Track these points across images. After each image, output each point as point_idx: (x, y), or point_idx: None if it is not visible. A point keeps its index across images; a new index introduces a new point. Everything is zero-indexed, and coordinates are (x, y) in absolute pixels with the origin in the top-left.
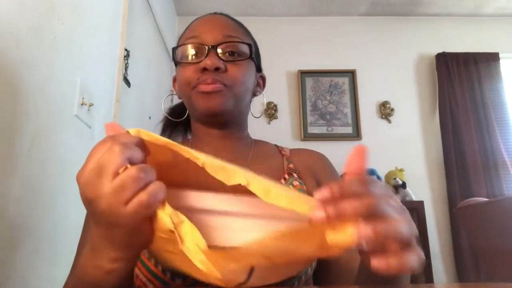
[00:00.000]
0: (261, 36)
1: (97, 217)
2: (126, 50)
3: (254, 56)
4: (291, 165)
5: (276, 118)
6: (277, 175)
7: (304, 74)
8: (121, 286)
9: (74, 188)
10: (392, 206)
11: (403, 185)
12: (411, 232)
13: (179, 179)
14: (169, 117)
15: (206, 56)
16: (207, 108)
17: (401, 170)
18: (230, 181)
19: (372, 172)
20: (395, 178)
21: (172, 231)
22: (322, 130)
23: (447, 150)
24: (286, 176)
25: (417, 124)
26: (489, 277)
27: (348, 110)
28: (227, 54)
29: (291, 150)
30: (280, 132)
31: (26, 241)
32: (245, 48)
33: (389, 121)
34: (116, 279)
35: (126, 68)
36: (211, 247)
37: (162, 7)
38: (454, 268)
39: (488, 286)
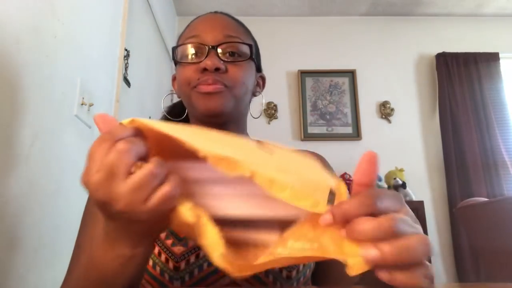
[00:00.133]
0: (261, 36)
1: (113, 216)
2: (126, 50)
3: (255, 57)
4: None
5: (276, 118)
6: None
7: (304, 74)
8: (138, 274)
9: (74, 188)
10: (407, 224)
11: (403, 185)
12: (423, 252)
13: (172, 150)
14: (168, 116)
15: (206, 56)
16: (207, 108)
17: (401, 170)
18: (233, 172)
19: None
20: (395, 178)
21: (190, 224)
22: (322, 130)
23: (447, 150)
24: None
25: (417, 124)
26: (489, 277)
27: (348, 110)
28: (228, 54)
29: None
30: (280, 132)
31: (26, 241)
32: (245, 49)
33: (389, 121)
34: (136, 266)
35: (126, 68)
36: (212, 218)
37: (162, 7)
38: (454, 268)
39: (488, 286)
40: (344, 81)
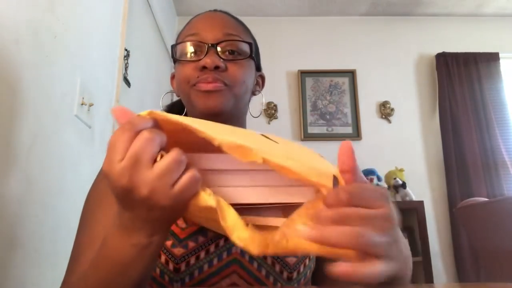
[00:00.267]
0: (261, 36)
1: (134, 204)
2: (126, 50)
3: (254, 55)
4: None
5: (276, 118)
6: None
7: (304, 74)
8: (151, 263)
9: (74, 188)
10: (374, 224)
11: (403, 185)
12: (375, 244)
13: (182, 143)
14: None
15: (205, 55)
16: (207, 107)
17: (401, 170)
18: (246, 159)
19: (372, 172)
20: (395, 178)
21: (212, 208)
22: (322, 130)
23: (447, 150)
24: None
25: (417, 124)
26: (489, 277)
27: (348, 110)
28: (227, 52)
29: None
30: (280, 132)
31: (26, 241)
32: (245, 47)
33: (389, 121)
34: (151, 255)
35: (126, 68)
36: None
37: (162, 7)
38: (454, 268)
39: (488, 286)
40: (344, 81)
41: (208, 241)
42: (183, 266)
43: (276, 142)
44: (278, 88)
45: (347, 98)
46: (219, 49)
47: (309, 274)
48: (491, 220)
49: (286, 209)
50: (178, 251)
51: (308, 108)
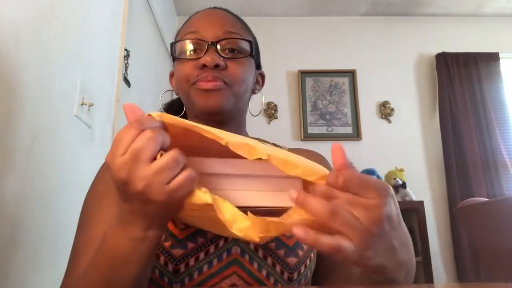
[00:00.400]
0: (261, 36)
1: (130, 197)
2: (126, 50)
3: (254, 53)
4: None
5: (276, 118)
6: None
7: (304, 74)
8: (149, 259)
9: (74, 188)
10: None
11: (403, 185)
12: (353, 225)
13: (185, 146)
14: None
15: (205, 53)
16: (206, 106)
17: (401, 170)
18: (252, 157)
19: (372, 172)
20: (395, 178)
21: (208, 205)
22: (322, 130)
23: (447, 150)
24: None
25: (417, 124)
26: (489, 277)
27: (348, 110)
28: (227, 50)
29: (290, 150)
30: (280, 132)
31: (26, 241)
32: (245, 45)
33: (389, 121)
34: (147, 249)
35: (126, 68)
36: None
37: (162, 7)
38: (454, 268)
39: (488, 286)
40: (344, 81)
41: (208, 242)
42: (182, 267)
43: (276, 149)
44: (278, 88)
45: (347, 98)
46: (219, 47)
47: (309, 275)
48: (491, 220)
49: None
50: (177, 252)
51: (308, 108)
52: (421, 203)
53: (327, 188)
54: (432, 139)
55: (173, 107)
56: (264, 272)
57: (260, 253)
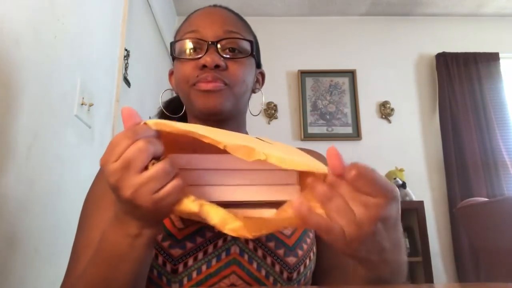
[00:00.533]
0: (261, 36)
1: (121, 200)
2: (126, 50)
3: (255, 53)
4: None
5: (276, 118)
6: None
7: (304, 74)
8: (145, 256)
9: (74, 188)
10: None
11: (403, 185)
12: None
13: (185, 143)
14: (165, 112)
15: (205, 53)
16: (206, 107)
17: (401, 170)
18: (250, 158)
19: None
20: (395, 178)
21: (195, 213)
22: (322, 130)
23: (447, 150)
24: None
25: (417, 124)
26: (489, 277)
27: (348, 110)
28: (228, 50)
29: None
30: (280, 132)
31: (26, 241)
32: (246, 45)
33: (389, 121)
34: (143, 245)
35: (126, 68)
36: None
37: (162, 7)
38: (454, 268)
39: (488, 286)
40: (344, 81)
41: (207, 242)
42: (181, 267)
43: (271, 143)
44: (278, 88)
45: (347, 98)
46: (219, 46)
47: (309, 274)
48: (491, 220)
49: (274, 206)
50: (176, 252)
51: (308, 108)
52: (421, 203)
53: (333, 178)
54: (432, 139)
55: (172, 106)
56: (263, 272)
57: (260, 252)
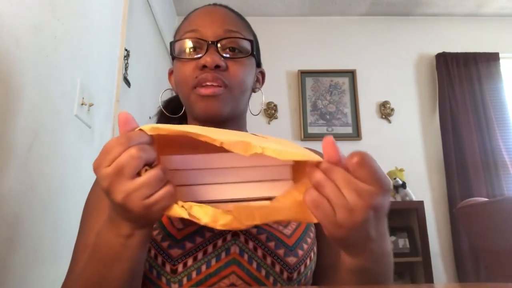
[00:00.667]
0: (261, 36)
1: (113, 203)
2: (126, 50)
3: (255, 52)
4: None
5: (276, 118)
6: None
7: (304, 74)
8: (139, 255)
9: (74, 188)
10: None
11: (403, 185)
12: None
13: (177, 142)
14: (164, 111)
15: (205, 52)
16: (206, 112)
17: (401, 170)
18: (247, 153)
19: None
20: (395, 178)
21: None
22: (322, 130)
23: (447, 150)
24: None
25: (417, 124)
26: (489, 277)
27: (348, 110)
28: (228, 49)
29: None
30: (280, 132)
31: (26, 241)
32: (246, 44)
33: (389, 121)
34: (136, 244)
35: (126, 68)
36: (206, 202)
37: (162, 7)
38: (454, 268)
39: (488, 286)
40: (344, 81)
41: (206, 242)
42: (180, 267)
43: (264, 137)
44: (278, 88)
45: (347, 98)
46: (219, 46)
47: (309, 274)
48: (491, 220)
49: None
50: (175, 252)
51: (308, 108)
52: (421, 203)
53: (327, 164)
54: (432, 139)
55: (171, 105)
56: (263, 272)
57: (259, 252)
